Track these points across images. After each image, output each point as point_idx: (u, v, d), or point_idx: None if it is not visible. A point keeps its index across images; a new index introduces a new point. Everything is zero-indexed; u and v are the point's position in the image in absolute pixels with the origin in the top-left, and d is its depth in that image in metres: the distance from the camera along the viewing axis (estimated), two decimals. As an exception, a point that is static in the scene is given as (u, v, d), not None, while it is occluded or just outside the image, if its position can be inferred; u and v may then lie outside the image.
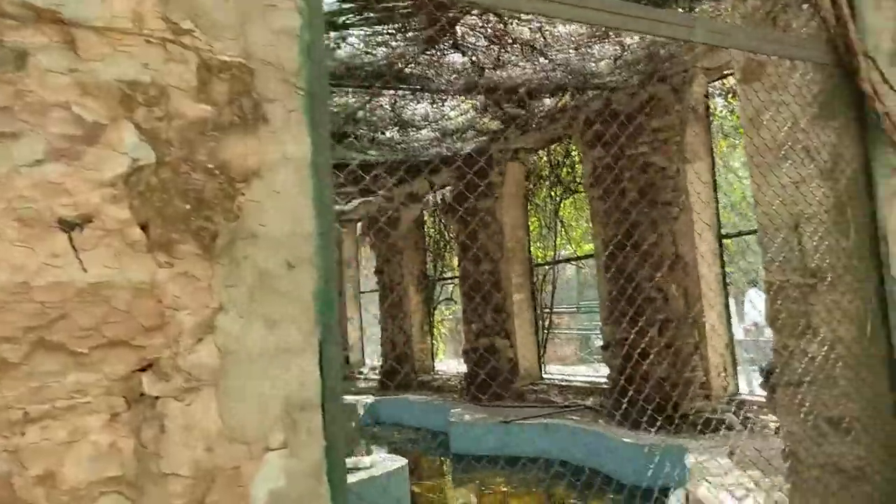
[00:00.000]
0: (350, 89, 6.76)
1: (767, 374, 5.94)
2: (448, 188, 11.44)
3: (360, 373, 14.70)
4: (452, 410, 9.31)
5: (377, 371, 13.90)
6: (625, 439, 6.28)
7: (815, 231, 2.21)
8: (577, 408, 8.28)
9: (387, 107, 7.31)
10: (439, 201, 12.16)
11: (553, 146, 9.66)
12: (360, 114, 7.36)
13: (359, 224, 15.27)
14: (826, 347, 2.20)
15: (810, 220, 2.23)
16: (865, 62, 2.09)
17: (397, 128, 7.86)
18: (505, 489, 7.21)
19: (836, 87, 2.22)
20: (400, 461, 6.79)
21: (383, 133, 7.95)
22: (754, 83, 2.43)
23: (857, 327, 2.26)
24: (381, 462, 6.79)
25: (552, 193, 9.96)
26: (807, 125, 2.21)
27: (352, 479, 6.25)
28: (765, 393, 6.06)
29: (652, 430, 6.38)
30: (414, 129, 7.99)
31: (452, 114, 7.90)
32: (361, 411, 11.42)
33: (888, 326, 2.22)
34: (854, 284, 2.22)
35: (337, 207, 14.04)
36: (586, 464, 6.74)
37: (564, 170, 9.76)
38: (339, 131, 8.08)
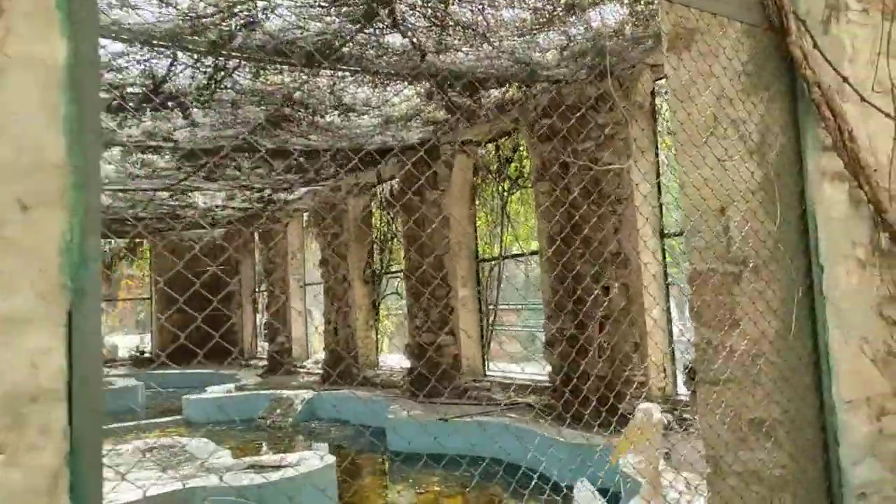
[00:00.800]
0: (285, 67, 6.39)
1: (687, 370, 5.82)
2: (395, 180, 11.13)
3: (302, 366, 14.27)
4: (391, 407, 9.04)
5: (320, 365, 13.51)
6: (559, 438, 6.10)
7: (738, 212, 2.00)
8: (516, 406, 8.10)
9: (325, 89, 6.96)
10: (386, 193, 11.84)
11: (502, 140, 9.45)
12: (298, 94, 6.98)
13: (305, 215, 14.85)
14: (746, 342, 1.99)
15: (735, 201, 2.02)
16: (796, 24, 1.88)
17: (337, 112, 7.50)
18: (438, 488, 6.97)
19: (767, 52, 2.02)
20: (328, 459, 6.49)
21: (322, 117, 7.59)
22: (682, 53, 2.21)
23: (782, 321, 2.06)
24: (307, 460, 6.47)
25: (500, 188, 9.74)
26: (735, 95, 2.00)
27: (275, 476, 5.94)
28: (690, 392, 5.96)
29: (593, 428, 6.22)
30: (355, 113, 7.65)
31: (396, 100, 7.58)
32: (299, 407, 11.05)
33: (814, 320, 2.02)
34: (779, 273, 2.02)
35: (282, 196, 13.56)
36: (521, 462, 6.54)
37: (513, 165, 9.56)
38: (278, 113, 7.69)
